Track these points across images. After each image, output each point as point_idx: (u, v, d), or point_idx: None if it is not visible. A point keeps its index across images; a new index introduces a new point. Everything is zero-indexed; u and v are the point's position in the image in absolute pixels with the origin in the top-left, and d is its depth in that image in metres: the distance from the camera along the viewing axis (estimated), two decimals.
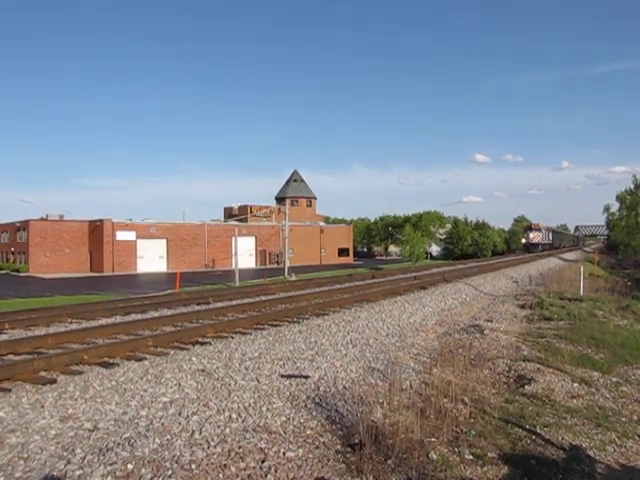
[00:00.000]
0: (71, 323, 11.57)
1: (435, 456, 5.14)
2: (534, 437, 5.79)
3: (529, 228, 67.13)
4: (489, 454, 5.30)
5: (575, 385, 7.82)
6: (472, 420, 6.24)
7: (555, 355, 9.41)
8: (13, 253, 59.18)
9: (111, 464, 4.41)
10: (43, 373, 7.05)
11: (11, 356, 8.20)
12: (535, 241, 64.19)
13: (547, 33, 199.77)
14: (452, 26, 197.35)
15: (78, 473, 4.25)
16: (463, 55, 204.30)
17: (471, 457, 5.21)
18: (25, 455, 4.52)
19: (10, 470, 4.27)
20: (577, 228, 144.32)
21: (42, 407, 5.61)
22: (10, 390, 6.22)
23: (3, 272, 56.40)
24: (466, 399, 6.70)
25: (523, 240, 68.25)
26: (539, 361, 9.08)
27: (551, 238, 72.09)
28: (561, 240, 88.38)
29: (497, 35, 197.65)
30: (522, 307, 16.15)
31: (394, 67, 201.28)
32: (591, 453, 5.46)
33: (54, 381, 6.65)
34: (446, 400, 6.65)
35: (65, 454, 4.57)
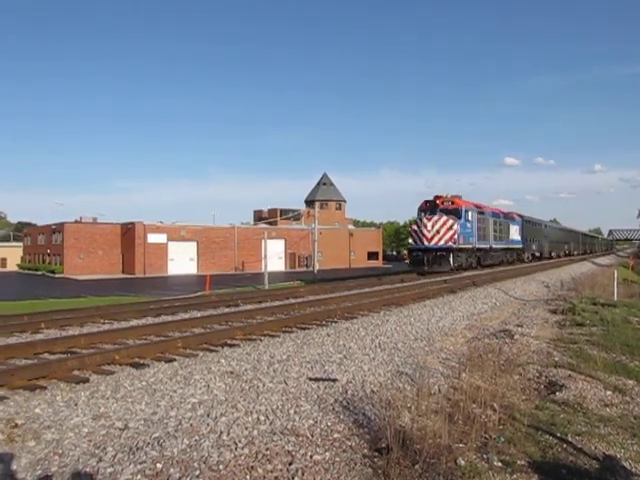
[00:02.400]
0: (103, 324, 11.80)
1: (463, 462, 5.09)
2: (565, 445, 5.68)
3: (430, 207, 29.34)
4: (518, 462, 5.22)
5: (608, 393, 7.65)
6: (501, 426, 6.16)
7: (587, 362, 9.22)
8: (49, 255, 60.68)
9: (141, 463, 4.49)
10: (76, 372, 7.21)
11: (47, 355, 8.41)
12: (438, 243, 27.92)
13: (577, 34, 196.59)
14: (483, 28, 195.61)
15: (109, 470, 4.34)
16: (493, 58, 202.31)
17: (500, 464, 5.13)
18: (60, 451, 4.64)
19: (46, 465, 4.40)
20: (611, 232, 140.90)
21: (75, 405, 5.75)
22: (46, 388, 6.39)
23: (39, 273, 57.90)
24: (495, 405, 6.62)
25: (410, 240, 30.50)
26: (571, 367, 8.91)
27: (519, 236, 39.50)
28: (563, 243, 58.91)
29: (527, 37, 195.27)
30: (553, 312, 15.87)
31: (423, 70, 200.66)
32: (626, 464, 5.32)
33: (87, 380, 6.79)
34: (475, 405, 6.58)
35: (97, 452, 4.67)
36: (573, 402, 7.17)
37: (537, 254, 46.75)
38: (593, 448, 5.65)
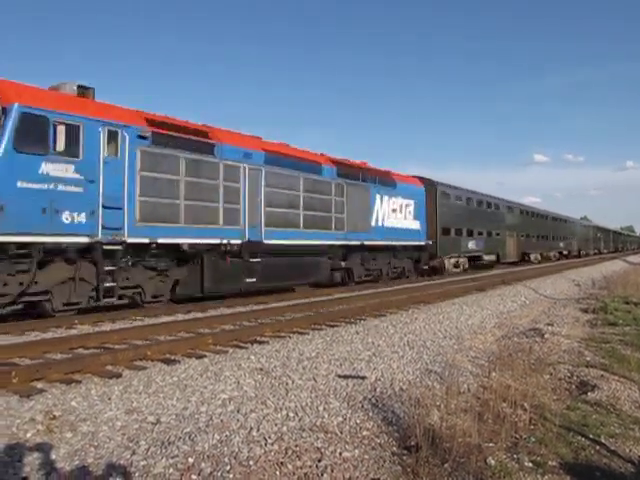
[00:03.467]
0: (134, 320, 11.98)
1: (493, 462, 5.05)
2: (598, 447, 5.58)
3: None
4: (550, 462, 5.16)
5: None
6: (532, 426, 6.09)
7: (620, 362, 9.04)
8: None
9: (173, 457, 4.57)
10: (109, 367, 7.36)
11: (81, 350, 8.60)
12: None
13: (609, 31, 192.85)
14: (511, 26, 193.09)
15: (142, 463, 4.43)
16: (521, 56, 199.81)
17: (531, 465, 5.08)
18: (95, 443, 4.75)
19: (83, 455, 4.52)
20: None
21: (109, 399, 5.88)
22: (81, 382, 6.55)
23: None
24: (526, 404, 6.54)
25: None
26: (603, 368, 8.74)
27: (415, 222, 21.82)
28: (554, 240, 45.15)
29: (558, 34, 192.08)
30: (585, 311, 15.57)
31: (450, 70, 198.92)
32: None
33: (119, 375, 6.93)
34: (505, 405, 6.51)
35: (130, 445, 4.77)
36: (606, 403, 7.04)
37: (488, 257, 29.55)
38: (628, 451, 5.54)
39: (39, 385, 6.37)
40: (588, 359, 9.43)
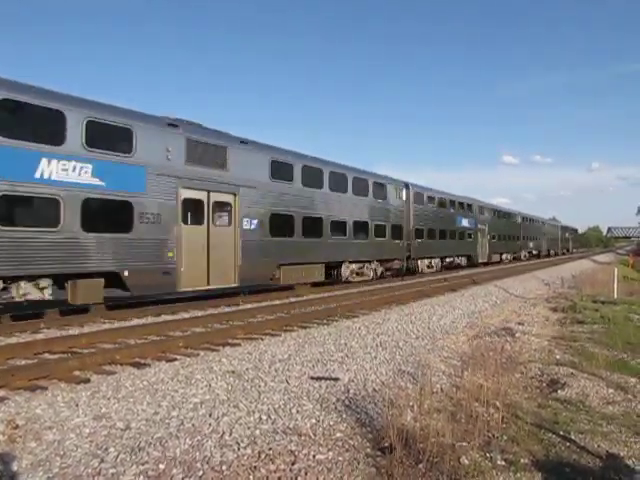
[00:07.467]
0: (104, 323, 11.76)
1: (467, 461, 5.06)
2: (568, 444, 5.65)
3: None
4: (522, 460, 5.20)
5: (611, 391, 7.62)
6: (504, 425, 6.13)
7: (589, 360, 9.19)
8: None
9: (143, 464, 4.46)
10: (77, 372, 7.20)
11: (47, 355, 8.39)
12: None
13: (581, 33, 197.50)
14: (481, 30, 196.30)
15: (112, 471, 4.31)
16: (493, 58, 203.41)
17: (503, 463, 5.11)
18: (61, 452, 4.61)
19: (48, 466, 4.37)
20: (609, 229, 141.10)
21: (76, 406, 5.72)
22: (47, 388, 6.38)
23: None
24: (498, 403, 6.59)
25: None
26: (572, 365, 8.89)
27: None
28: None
29: (527, 37, 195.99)
30: (554, 310, 15.84)
31: (425, 75, 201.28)
32: (630, 462, 5.29)
33: (88, 380, 6.78)
34: (477, 404, 6.54)
35: (99, 452, 4.64)
36: (575, 400, 7.15)
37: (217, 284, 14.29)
38: (596, 446, 5.62)
39: (1, 393, 6.19)
40: (558, 357, 9.58)
